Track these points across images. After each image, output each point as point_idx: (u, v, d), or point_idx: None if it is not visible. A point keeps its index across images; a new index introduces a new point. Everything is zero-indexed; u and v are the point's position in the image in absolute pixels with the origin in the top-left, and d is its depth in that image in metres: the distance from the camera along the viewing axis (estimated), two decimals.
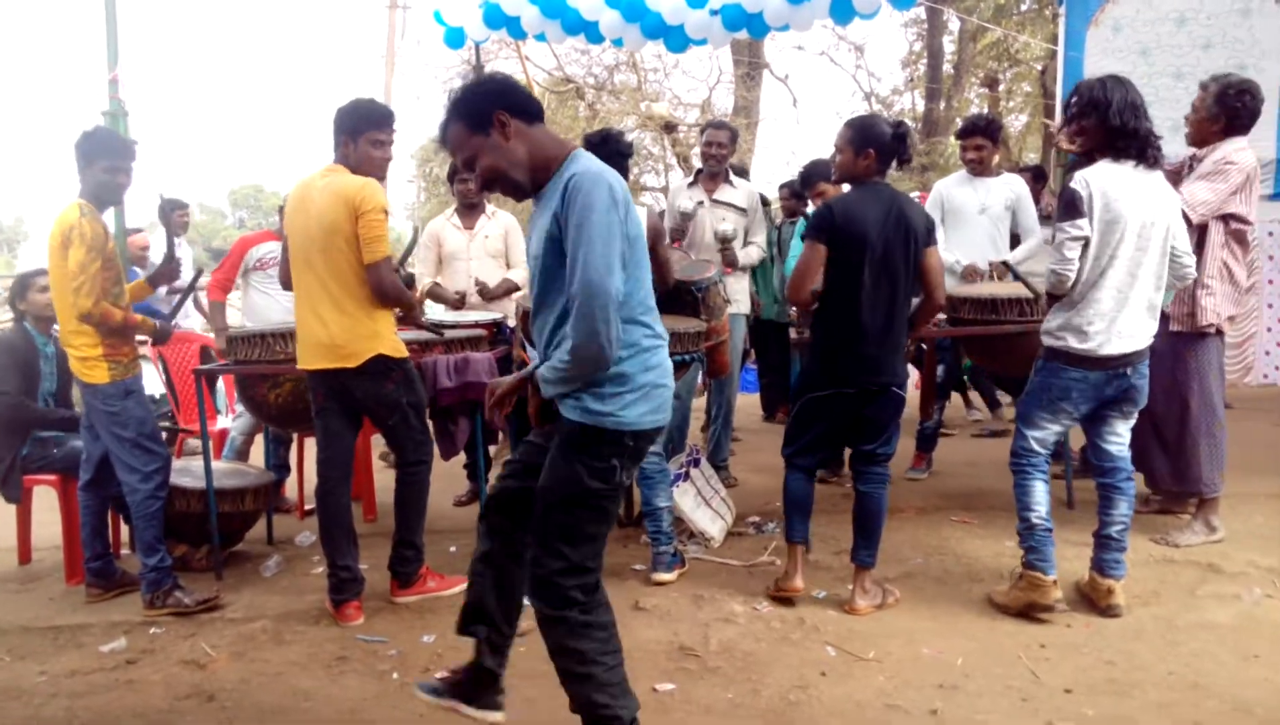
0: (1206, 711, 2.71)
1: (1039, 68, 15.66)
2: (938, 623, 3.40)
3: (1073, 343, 3.29)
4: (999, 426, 6.52)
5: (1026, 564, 3.37)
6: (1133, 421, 3.44)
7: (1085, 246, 3.24)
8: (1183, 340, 4.02)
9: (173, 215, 7.17)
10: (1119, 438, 3.43)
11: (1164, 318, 3.98)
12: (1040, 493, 3.40)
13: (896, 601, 3.55)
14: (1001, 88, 17.70)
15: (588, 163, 2.23)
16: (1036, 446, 3.43)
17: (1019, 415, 3.51)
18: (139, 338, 3.93)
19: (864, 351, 3.40)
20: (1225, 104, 3.88)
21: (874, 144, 3.39)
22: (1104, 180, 3.22)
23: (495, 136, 2.24)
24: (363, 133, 3.54)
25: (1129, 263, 3.23)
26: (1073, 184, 3.28)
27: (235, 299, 5.93)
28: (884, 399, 3.46)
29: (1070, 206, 3.25)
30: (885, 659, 3.13)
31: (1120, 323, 3.25)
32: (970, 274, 4.95)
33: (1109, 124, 3.23)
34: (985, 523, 4.46)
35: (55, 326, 4.19)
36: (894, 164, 3.50)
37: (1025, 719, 2.71)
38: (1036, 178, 6.59)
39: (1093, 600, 3.43)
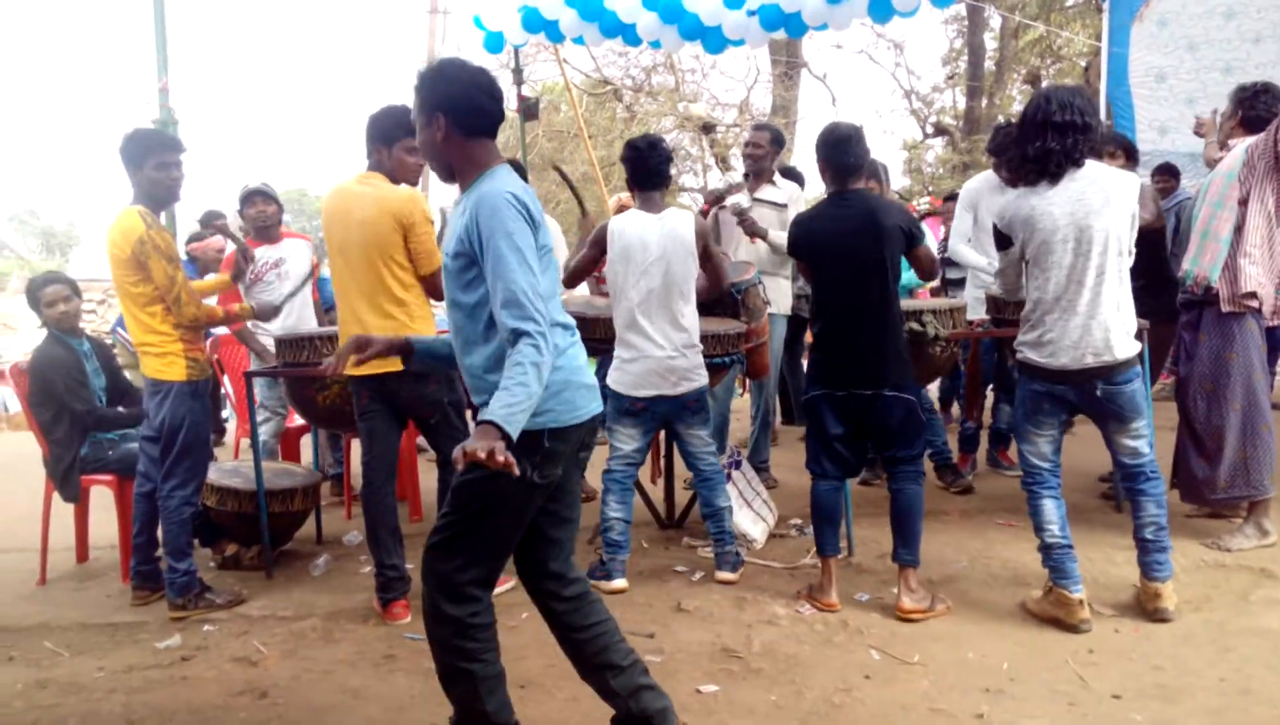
0: (1257, 718, 2.67)
1: (1083, 64, 15.43)
2: (982, 627, 3.38)
3: (1030, 354, 3.35)
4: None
5: (1053, 581, 3.37)
6: (1136, 431, 3.33)
7: (1025, 265, 3.40)
8: (1223, 334, 3.95)
9: (212, 226, 7.27)
10: (1127, 447, 3.36)
11: (1208, 303, 3.96)
12: (1050, 510, 3.39)
13: (947, 610, 3.52)
14: (1045, 84, 17.44)
15: (498, 182, 2.33)
16: (1035, 460, 3.43)
17: (1013, 431, 3.52)
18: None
19: (843, 357, 3.51)
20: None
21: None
22: (1018, 204, 3.33)
23: (429, 130, 2.40)
24: (397, 140, 3.58)
25: (1071, 272, 3.22)
26: (994, 219, 3.49)
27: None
28: (882, 403, 3.47)
29: (995, 239, 3.51)
30: (929, 663, 3.12)
31: (1072, 335, 3.23)
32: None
33: (1025, 155, 3.30)
34: (1031, 526, 4.40)
35: (84, 323, 4.29)
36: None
37: (1072, 724, 2.69)
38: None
39: (1141, 604, 3.40)
